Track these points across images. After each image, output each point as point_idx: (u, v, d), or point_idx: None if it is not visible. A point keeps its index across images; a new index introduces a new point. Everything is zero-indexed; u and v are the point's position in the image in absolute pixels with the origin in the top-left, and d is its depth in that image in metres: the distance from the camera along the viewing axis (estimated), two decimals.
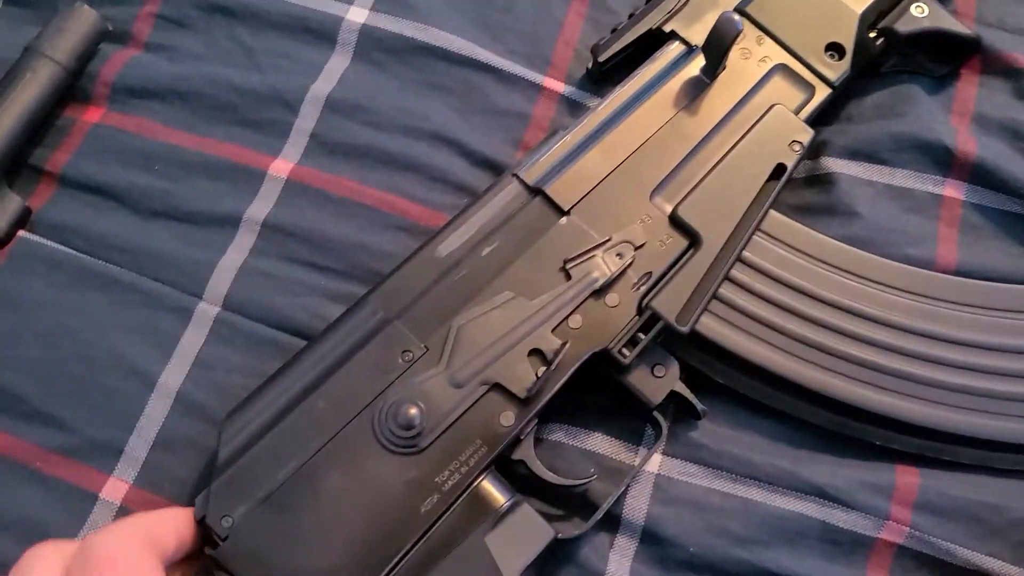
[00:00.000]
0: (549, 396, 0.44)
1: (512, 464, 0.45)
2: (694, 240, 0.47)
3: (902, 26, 0.54)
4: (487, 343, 0.44)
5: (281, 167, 0.52)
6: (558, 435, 0.48)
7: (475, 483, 0.43)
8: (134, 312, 0.48)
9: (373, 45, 0.55)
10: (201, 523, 0.41)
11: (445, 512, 0.42)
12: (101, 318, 0.48)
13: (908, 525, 0.45)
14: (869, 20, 0.54)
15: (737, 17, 0.48)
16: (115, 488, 0.45)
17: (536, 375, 0.44)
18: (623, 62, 0.54)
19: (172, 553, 0.39)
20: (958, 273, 0.50)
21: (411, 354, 0.44)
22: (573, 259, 0.46)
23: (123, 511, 0.45)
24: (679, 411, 0.48)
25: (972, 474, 0.47)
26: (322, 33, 0.55)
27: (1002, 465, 0.47)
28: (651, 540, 0.45)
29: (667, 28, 0.53)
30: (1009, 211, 0.52)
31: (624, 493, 0.46)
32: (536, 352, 0.44)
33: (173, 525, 0.39)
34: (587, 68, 0.55)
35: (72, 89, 0.54)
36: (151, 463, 0.46)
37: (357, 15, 0.55)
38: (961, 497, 0.45)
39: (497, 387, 0.44)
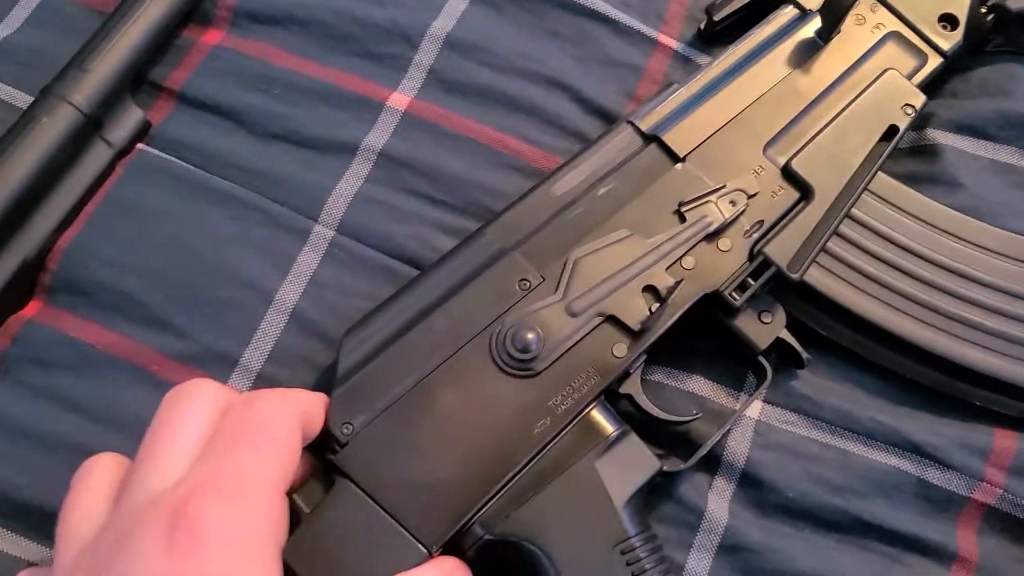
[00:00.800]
0: (661, 332, 0.45)
1: (619, 399, 0.46)
2: (806, 193, 0.48)
3: (1014, 3, 0.54)
4: (603, 276, 0.45)
5: (399, 100, 0.53)
6: (660, 376, 0.49)
7: (587, 409, 0.44)
8: (251, 228, 0.49)
9: None
10: (321, 432, 0.42)
11: (557, 435, 0.43)
12: (219, 232, 0.49)
13: (1001, 487, 0.46)
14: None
15: None
16: None
17: (650, 310, 0.44)
18: (736, 24, 0.55)
19: (310, 437, 0.39)
20: None
21: (528, 283, 0.45)
22: (688, 203, 0.47)
23: None
24: (782, 360, 0.48)
25: None
26: None
27: None
28: (750, 483, 0.46)
29: None
30: None
31: (725, 436, 0.47)
32: (650, 288, 0.45)
33: (320, 409, 0.40)
34: (699, 27, 0.56)
35: (195, 11, 0.55)
36: (265, 375, 0.47)
37: None
38: None
39: (611, 319, 0.44)
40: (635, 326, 0.44)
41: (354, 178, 0.51)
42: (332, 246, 0.49)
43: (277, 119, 0.52)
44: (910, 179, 0.53)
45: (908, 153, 0.54)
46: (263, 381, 0.47)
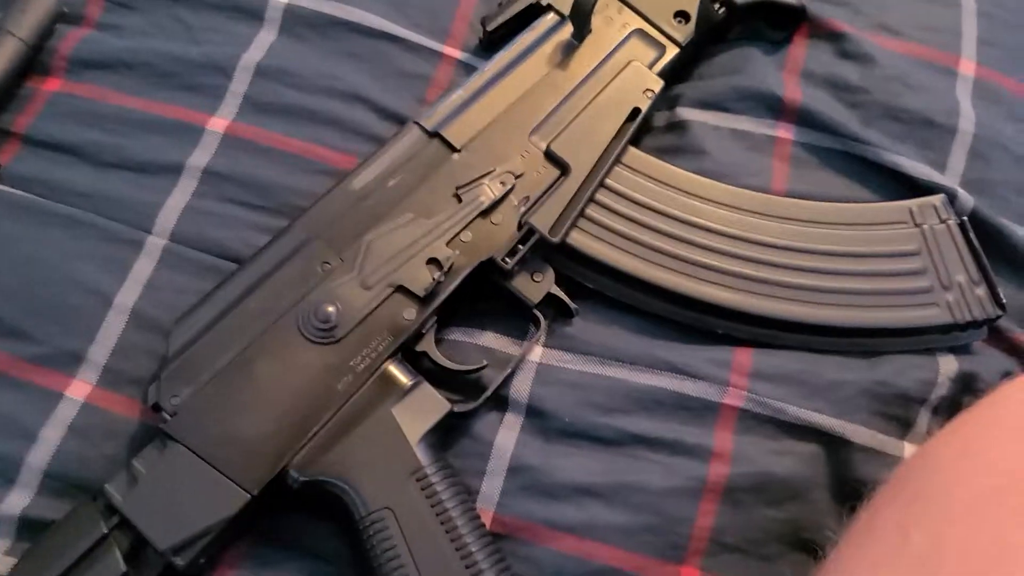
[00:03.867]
0: (445, 295, 0.53)
1: (418, 357, 0.54)
2: (564, 170, 0.57)
3: None
4: (392, 254, 0.53)
5: (218, 123, 0.61)
6: (456, 335, 0.57)
7: (383, 366, 0.52)
8: (92, 245, 0.57)
9: (296, 21, 0.64)
10: (154, 409, 0.50)
11: (358, 390, 0.51)
12: (64, 250, 0.56)
13: (746, 390, 0.54)
14: None
15: None
16: (78, 388, 0.53)
17: (433, 278, 0.53)
18: (508, 32, 0.63)
19: None
20: (788, 196, 0.60)
21: (329, 265, 0.53)
22: (464, 186, 0.56)
23: (85, 407, 0.53)
24: (557, 313, 0.57)
25: (798, 352, 0.56)
26: (251, 11, 0.64)
27: (819, 347, 0.57)
28: (533, 415, 0.54)
29: (544, 2, 0.63)
30: (830, 148, 0.62)
31: (510, 378, 0.55)
32: (433, 260, 0.53)
33: None
34: (479, 38, 0.65)
35: (33, 63, 0.62)
36: (111, 367, 0.54)
37: None
38: (790, 367, 0.55)
39: (400, 289, 0.53)
40: (420, 292, 0.53)
41: (182, 194, 0.59)
42: (165, 253, 0.57)
43: (111, 149, 0.60)
44: (666, 151, 0.62)
45: (664, 130, 0.64)
46: (109, 372, 0.54)
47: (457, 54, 0.65)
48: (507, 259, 0.55)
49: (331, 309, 0.51)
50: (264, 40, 0.64)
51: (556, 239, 0.55)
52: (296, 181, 0.60)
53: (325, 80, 0.63)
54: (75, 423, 0.52)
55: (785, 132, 0.63)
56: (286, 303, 0.52)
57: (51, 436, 0.52)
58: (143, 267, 0.57)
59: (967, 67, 0.66)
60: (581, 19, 0.60)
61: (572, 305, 0.56)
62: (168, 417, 0.49)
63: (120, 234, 0.57)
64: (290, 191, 0.59)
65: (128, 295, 0.56)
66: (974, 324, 0.57)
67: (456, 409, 0.52)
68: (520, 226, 0.55)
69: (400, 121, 0.62)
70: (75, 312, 0.55)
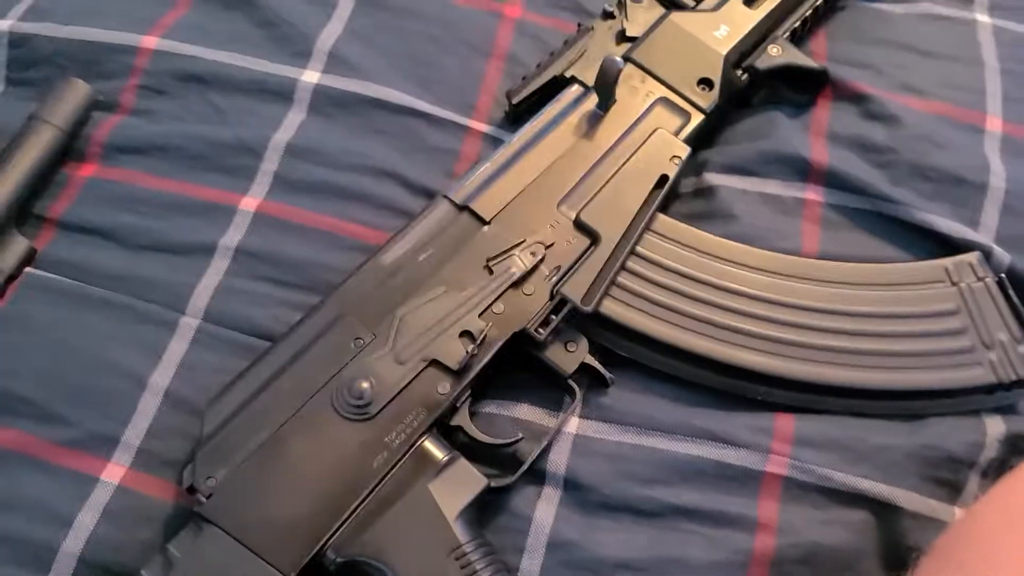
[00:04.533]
0: (479, 368, 0.53)
1: (452, 432, 0.53)
2: (595, 238, 0.57)
3: (761, 63, 0.65)
4: (425, 327, 0.53)
5: (250, 203, 0.61)
6: (491, 408, 0.56)
7: (419, 441, 0.51)
8: (126, 327, 0.57)
9: (325, 101, 0.65)
10: (189, 491, 0.49)
11: (394, 467, 0.50)
12: (97, 333, 0.57)
13: (789, 457, 0.53)
14: (733, 59, 0.65)
15: (618, 58, 0.59)
16: (113, 471, 0.53)
17: (466, 351, 0.52)
18: (533, 104, 0.64)
19: None
20: (820, 259, 0.60)
21: (362, 340, 0.53)
22: (494, 258, 0.56)
23: (120, 490, 0.52)
24: (592, 383, 0.56)
25: (840, 417, 0.55)
26: (281, 93, 0.65)
27: (861, 410, 0.55)
28: (572, 487, 0.53)
29: (568, 74, 0.64)
30: (861, 208, 0.62)
31: (547, 450, 0.54)
32: (466, 333, 0.53)
33: None
34: (504, 111, 0.66)
35: (69, 150, 0.64)
36: (145, 449, 0.54)
37: (311, 77, 0.66)
38: (832, 432, 0.54)
39: (434, 363, 0.52)
40: (455, 366, 0.52)
41: (215, 273, 0.59)
42: (198, 333, 0.57)
43: (144, 232, 0.60)
44: (695, 217, 0.62)
45: (692, 196, 0.64)
46: (143, 454, 0.54)
47: (483, 127, 0.66)
48: (540, 329, 0.54)
49: (365, 385, 0.51)
50: (293, 120, 0.65)
51: (589, 308, 0.55)
52: (327, 258, 0.60)
53: (354, 157, 0.63)
54: (110, 507, 0.52)
55: (814, 194, 0.63)
56: (319, 380, 0.52)
57: (86, 521, 0.51)
58: (177, 348, 0.57)
59: (994, 123, 0.66)
60: (606, 89, 0.60)
61: (607, 374, 0.56)
62: (203, 500, 0.48)
63: (154, 315, 0.58)
64: (322, 267, 0.59)
65: (162, 376, 0.56)
66: (1019, 383, 0.56)
67: (493, 484, 0.52)
68: (552, 296, 0.55)
69: (429, 195, 0.63)
70: (109, 395, 0.55)
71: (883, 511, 0.53)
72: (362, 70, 0.67)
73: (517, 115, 0.65)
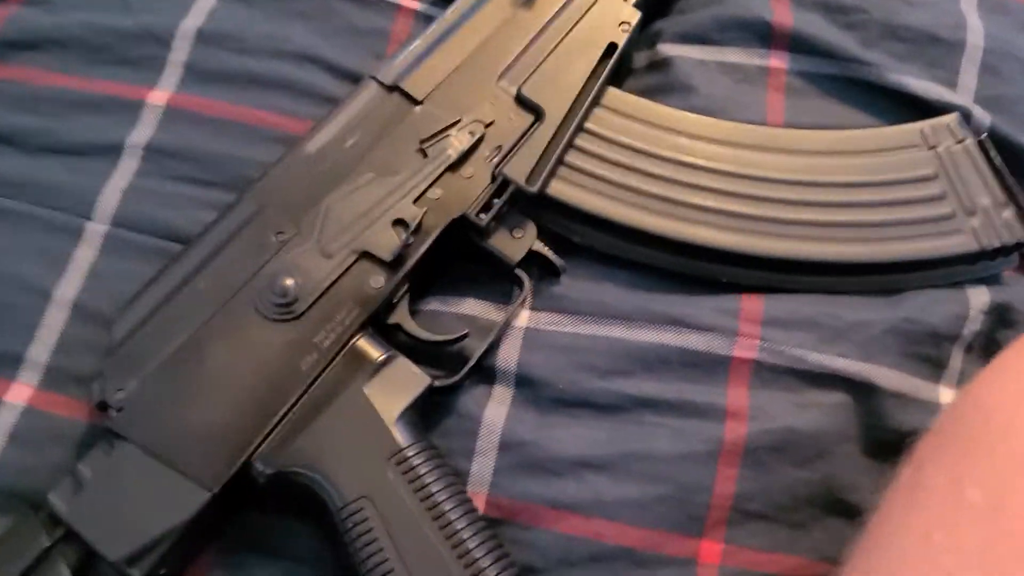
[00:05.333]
0: (415, 259, 0.48)
1: (390, 331, 0.49)
2: (538, 114, 0.52)
3: None
4: (354, 217, 0.48)
5: (159, 96, 0.55)
6: (433, 304, 0.52)
7: (351, 341, 0.46)
8: (28, 237, 0.52)
9: None
10: (99, 406, 0.44)
11: (325, 369, 0.46)
12: None
13: (758, 339, 0.49)
14: None
15: None
16: (19, 392, 0.48)
17: (400, 240, 0.47)
18: None
19: None
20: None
21: (284, 235, 0.47)
22: (428, 139, 0.50)
23: (28, 411, 0.48)
24: (543, 272, 0.52)
25: (812, 295, 0.51)
26: None
27: (836, 287, 0.51)
28: (524, 384, 0.49)
29: None
30: (829, 74, 0.57)
31: (496, 345, 0.50)
32: (399, 221, 0.48)
33: None
34: None
35: None
36: (53, 367, 0.49)
37: None
38: (804, 310, 0.50)
39: (365, 255, 0.47)
40: (387, 257, 0.47)
41: (123, 175, 0.53)
42: (107, 240, 0.52)
43: (44, 134, 0.54)
44: (651, 91, 0.57)
45: (646, 70, 0.58)
46: (52, 372, 0.49)
47: (416, 5, 0.60)
48: (482, 215, 0.49)
49: (289, 282, 0.46)
50: (204, 5, 0.58)
51: (534, 188, 0.50)
52: (247, 152, 0.54)
53: (273, 42, 0.57)
54: (16, 430, 0.47)
55: (778, 61, 0.58)
56: (239, 279, 0.47)
57: None
58: (84, 256, 0.51)
59: None
60: None
61: (558, 261, 0.51)
62: (114, 414, 0.44)
63: (58, 223, 0.52)
64: (242, 163, 0.54)
65: (69, 288, 0.50)
66: (1003, 251, 0.51)
67: (437, 384, 0.47)
68: (494, 178, 0.50)
69: (357, 80, 0.57)
70: (11, 310, 0.50)
71: (861, 391, 0.49)
72: None
73: None
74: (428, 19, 0.59)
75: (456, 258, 0.51)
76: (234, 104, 0.55)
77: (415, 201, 0.49)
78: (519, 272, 0.50)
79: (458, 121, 0.51)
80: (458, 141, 0.50)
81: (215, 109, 0.55)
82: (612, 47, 0.54)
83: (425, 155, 0.50)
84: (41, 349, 0.49)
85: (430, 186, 0.49)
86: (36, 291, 0.50)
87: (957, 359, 0.50)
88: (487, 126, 0.51)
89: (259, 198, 0.49)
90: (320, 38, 0.58)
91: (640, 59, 0.59)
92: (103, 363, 0.45)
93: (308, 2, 0.59)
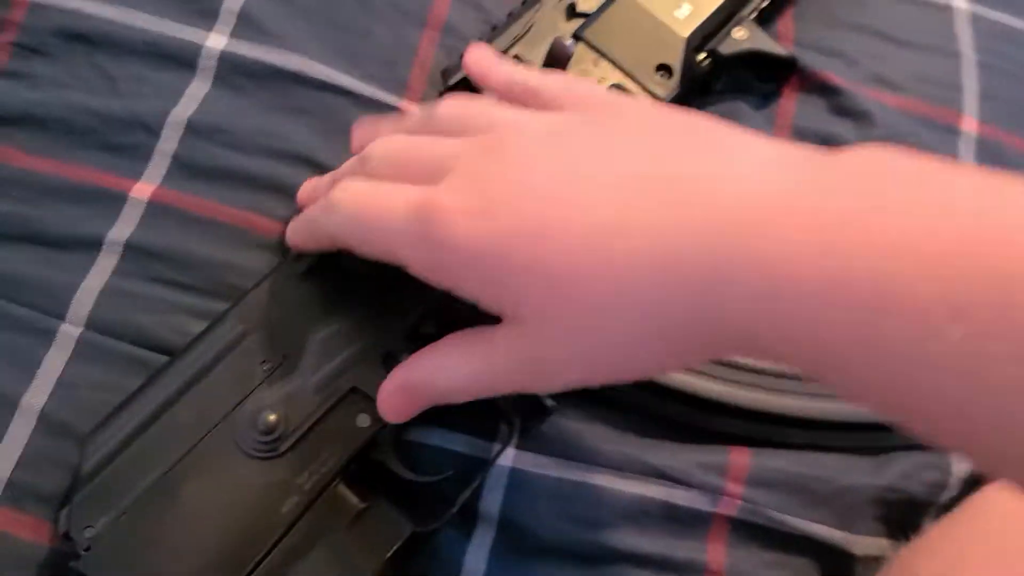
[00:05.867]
0: None
1: (373, 464, 0.47)
2: None
3: (725, 48, 0.58)
4: (343, 349, 0.46)
5: (143, 189, 0.53)
6: (418, 436, 0.50)
7: (335, 482, 0.45)
8: None
9: (233, 70, 0.57)
10: (66, 537, 0.42)
11: (304, 512, 0.44)
12: None
13: (740, 499, 0.49)
14: (695, 43, 0.58)
15: (569, 41, 0.52)
16: None
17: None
18: (472, 87, 0.57)
19: None
20: None
21: (269, 364, 0.46)
22: None
23: None
24: (532, 409, 0.51)
25: (801, 452, 0.51)
26: (182, 59, 0.56)
27: (827, 443, 0.51)
28: (506, 530, 0.48)
29: (512, 53, 0.56)
30: None
31: (480, 487, 0.49)
32: (390, 356, 0.47)
33: None
34: (439, 92, 0.59)
35: None
36: (16, 482, 0.46)
37: (217, 42, 0.57)
38: (791, 471, 0.50)
39: (353, 391, 0.46)
40: (375, 394, 0.46)
41: (100, 273, 0.51)
42: (79, 344, 0.49)
43: (17, 221, 0.52)
44: None
45: None
46: (13, 488, 0.46)
47: (415, 109, 0.59)
48: None
49: (273, 418, 0.44)
50: (196, 92, 0.56)
51: None
52: (233, 256, 0.52)
53: (267, 138, 0.55)
54: None
55: None
56: (220, 411, 0.45)
57: None
58: (54, 361, 0.49)
59: (969, 124, 0.61)
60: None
61: (548, 401, 0.50)
62: (81, 552, 0.42)
63: (28, 322, 0.49)
64: (226, 268, 0.52)
65: (37, 396, 0.48)
66: None
67: (418, 529, 0.46)
68: None
69: None
70: None
71: (834, 554, 0.49)
72: (277, 35, 0.58)
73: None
74: None
75: None
76: (222, 203, 0.53)
77: (407, 336, 0.47)
78: (507, 409, 0.49)
79: None
80: None
81: (202, 207, 0.53)
82: None
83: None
84: (4, 463, 0.47)
85: (421, 322, 0.48)
86: (2, 399, 0.48)
87: (927, 522, 0.51)
88: None
89: (245, 318, 0.47)
90: (318, 137, 0.56)
91: None
92: (71, 494, 0.42)
93: (305, 97, 0.57)
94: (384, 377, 0.45)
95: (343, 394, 0.46)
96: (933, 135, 0.60)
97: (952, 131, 0.61)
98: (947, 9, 0.67)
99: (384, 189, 0.40)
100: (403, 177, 0.39)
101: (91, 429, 0.44)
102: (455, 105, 0.43)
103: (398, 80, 0.59)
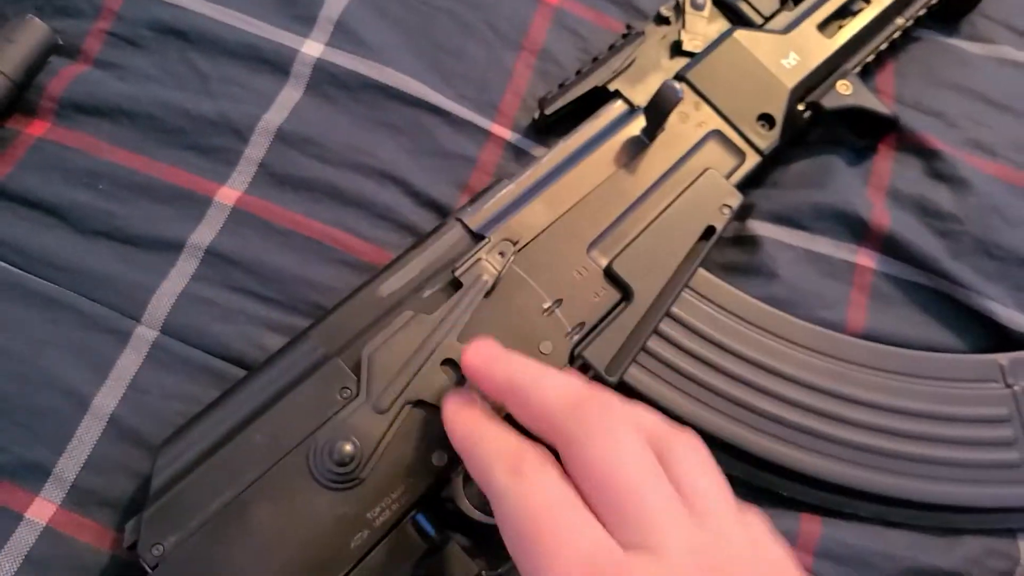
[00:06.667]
0: None
1: (441, 501, 0.46)
2: (626, 293, 0.50)
3: (828, 101, 0.57)
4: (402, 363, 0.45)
5: (228, 195, 0.52)
6: None
7: (405, 519, 0.44)
8: (70, 332, 0.48)
9: (327, 80, 0.56)
10: (131, 548, 0.42)
11: (372, 548, 0.43)
12: (36, 336, 0.48)
13: (809, 570, 0.48)
14: (799, 94, 0.57)
15: (679, 86, 0.50)
16: (41, 509, 0.45)
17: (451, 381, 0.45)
18: (568, 116, 0.56)
19: None
20: (866, 336, 0.54)
21: (350, 391, 0.45)
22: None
23: (48, 532, 0.45)
24: None
25: (870, 525, 0.50)
26: (277, 64, 0.55)
27: (896, 519, 0.50)
28: None
29: (612, 87, 0.55)
30: (915, 282, 0.56)
31: None
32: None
33: None
34: (533, 118, 0.57)
35: (18, 101, 0.53)
36: (80, 485, 0.46)
37: (312, 49, 0.56)
38: (859, 546, 0.49)
39: (420, 403, 0.45)
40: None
41: (179, 277, 0.50)
42: (154, 347, 0.49)
43: (101, 215, 0.51)
44: (730, 269, 0.55)
45: (730, 243, 0.57)
46: (78, 491, 0.46)
47: (507, 134, 0.57)
48: None
49: (349, 448, 0.43)
50: (288, 99, 0.55)
51: (613, 379, 0.48)
52: (314, 272, 0.51)
53: (354, 153, 0.54)
54: (34, 552, 0.44)
55: (867, 259, 0.56)
56: (296, 436, 0.44)
57: (3, 568, 0.44)
58: (128, 363, 0.48)
59: None
60: (659, 116, 0.52)
61: None
62: (149, 570, 0.41)
63: (104, 320, 0.49)
64: (306, 283, 0.51)
65: (108, 398, 0.47)
66: None
67: (487, 573, 0.45)
68: (572, 358, 0.48)
69: (437, 208, 0.55)
70: (45, 415, 0.47)
71: None
72: (373, 47, 0.57)
73: (547, 126, 0.57)
74: (517, 151, 0.57)
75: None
76: (307, 216, 0.52)
77: None
78: None
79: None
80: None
81: (285, 218, 0.52)
82: (710, 230, 0.52)
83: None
84: (71, 463, 0.46)
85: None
86: (73, 396, 0.47)
87: None
88: (571, 298, 0.49)
89: (326, 340, 0.46)
90: (406, 155, 0.55)
91: (726, 230, 0.57)
92: (143, 510, 0.42)
93: (397, 113, 0.56)
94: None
95: (411, 407, 0.45)
96: None
97: None
98: None
99: (574, 521, 0.33)
100: (597, 505, 0.34)
101: (163, 441, 0.43)
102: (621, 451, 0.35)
103: (490, 102, 0.58)
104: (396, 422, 0.44)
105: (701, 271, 0.52)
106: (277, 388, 0.45)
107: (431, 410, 0.44)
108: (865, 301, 0.55)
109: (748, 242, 0.56)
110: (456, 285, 0.47)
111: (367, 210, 0.53)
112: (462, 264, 0.47)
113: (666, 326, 0.51)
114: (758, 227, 0.56)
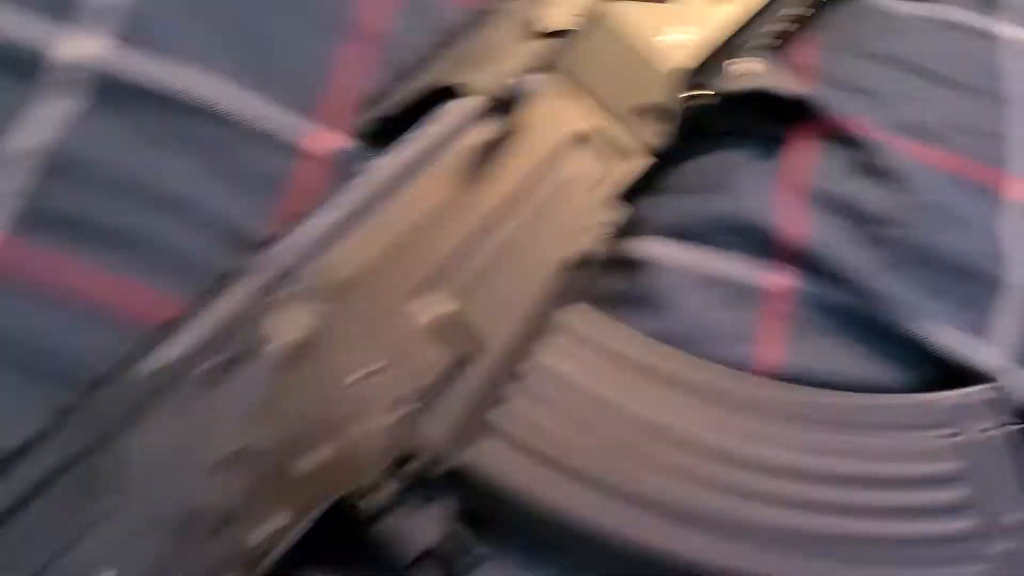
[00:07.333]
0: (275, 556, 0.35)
1: None
2: (470, 347, 0.39)
3: (729, 83, 0.47)
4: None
5: None
6: None
7: None
8: None
9: (100, 87, 0.43)
10: None
11: None
12: None
13: None
14: (691, 77, 0.46)
15: (537, 76, 0.39)
16: None
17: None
18: (403, 117, 0.44)
19: None
20: (782, 376, 0.44)
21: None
22: None
23: None
24: (461, 551, 0.39)
25: None
26: (21, 69, 0.43)
27: None
28: None
29: (458, 79, 0.44)
30: (843, 304, 0.46)
31: None
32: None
33: None
34: (362, 123, 0.46)
35: None
36: None
37: (78, 46, 0.44)
38: None
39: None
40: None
41: None
42: None
43: None
44: (615, 301, 0.45)
45: (612, 267, 0.46)
46: None
47: (326, 145, 0.46)
48: (373, 496, 0.37)
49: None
50: (49, 114, 0.43)
51: (452, 463, 0.37)
52: (83, 342, 0.40)
53: (142, 176, 0.43)
54: None
55: (783, 279, 0.46)
56: (39, 558, 0.33)
57: None
58: None
59: (1013, 189, 0.50)
60: (512, 116, 0.41)
61: (473, 552, 0.39)
62: None
63: None
64: (74, 360, 0.39)
65: None
66: None
67: None
68: (397, 439, 0.37)
69: (243, 244, 0.43)
70: None
71: None
72: (160, 39, 0.45)
73: (380, 131, 0.45)
74: (345, 167, 0.45)
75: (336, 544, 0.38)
76: (82, 266, 0.41)
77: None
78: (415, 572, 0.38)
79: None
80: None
81: (52, 273, 0.40)
82: (584, 256, 0.41)
83: None
84: None
85: None
86: None
87: None
88: (396, 360, 0.38)
89: (83, 432, 0.35)
90: (203, 179, 0.43)
91: (605, 251, 0.46)
92: None
93: (190, 124, 0.44)
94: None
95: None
96: (969, 203, 0.49)
97: (990, 198, 0.49)
98: (991, 39, 0.55)
99: None
100: None
101: None
102: None
103: (306, 106, 0.46)
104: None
105: (579, 307, 0.42)
106: (21, 494, 0.34)
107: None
108: (781, 333, 0.45)
109: (635, 266, 0.45)
110: (245, 353, 0.36)
111: (155, 254, 0.42)
112: (251, 325, 0.36)
113: (529, 379, 0.40)
114: (647, 246, 0.46)
